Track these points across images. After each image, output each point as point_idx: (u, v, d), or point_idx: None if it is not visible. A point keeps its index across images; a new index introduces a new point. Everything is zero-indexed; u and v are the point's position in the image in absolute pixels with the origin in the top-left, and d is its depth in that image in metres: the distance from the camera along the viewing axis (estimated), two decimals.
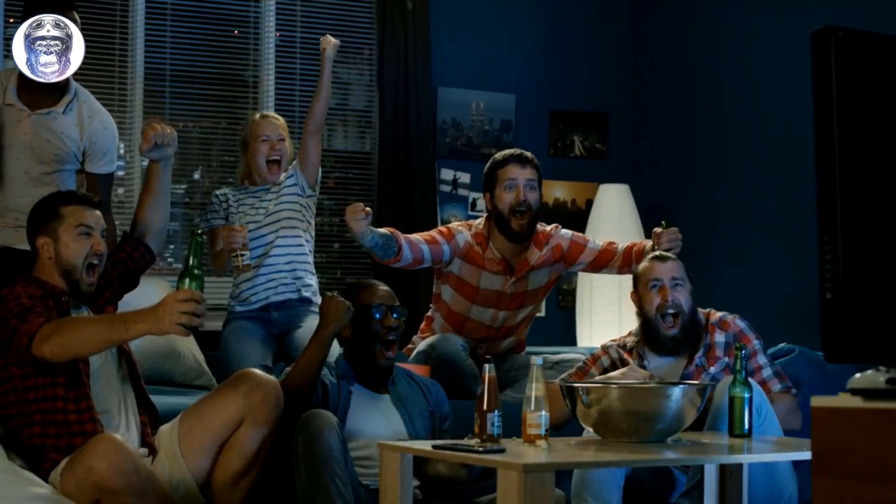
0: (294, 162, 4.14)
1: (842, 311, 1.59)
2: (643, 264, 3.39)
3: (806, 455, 2.60)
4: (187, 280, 2.70)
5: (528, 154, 3.94)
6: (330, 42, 4.13)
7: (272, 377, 2.98)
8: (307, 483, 2.82)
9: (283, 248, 4.03)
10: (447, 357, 3.74)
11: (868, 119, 1.61)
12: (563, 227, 4.04)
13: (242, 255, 3.83)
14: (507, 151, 3.97)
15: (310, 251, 4.13)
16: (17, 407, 2.85)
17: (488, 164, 3.96)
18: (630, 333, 3.46)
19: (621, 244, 3.93)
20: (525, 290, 3.95)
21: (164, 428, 2.95)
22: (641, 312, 3.36)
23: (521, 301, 3.95)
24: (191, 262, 2.72)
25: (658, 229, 3.64)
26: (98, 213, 3.05)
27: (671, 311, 3.28)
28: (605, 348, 3.47)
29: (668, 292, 3.29)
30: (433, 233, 3.94)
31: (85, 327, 2.76)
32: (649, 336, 3.34)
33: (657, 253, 3.44)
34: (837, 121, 1.59)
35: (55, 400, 2.82)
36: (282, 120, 4.19)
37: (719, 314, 3.40)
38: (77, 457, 2.68)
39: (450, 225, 4.00)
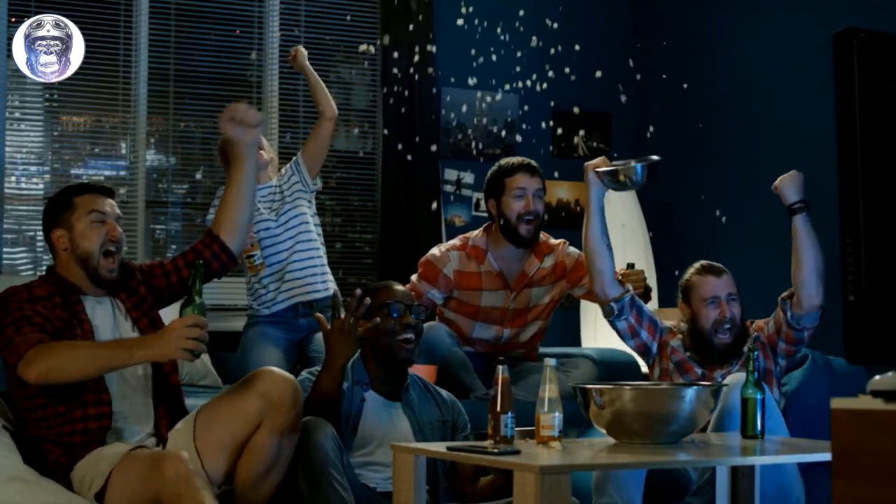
0: (295, 157, 4.12)
1: (864, 313, 1.58)
2: (696, 277, 3.47)
3: (817, 457, 2.61)
4: (190, 308, 2.72)
5: (535, 163, 3.96)
6: (297, 52, 4.20)
7: (290, 375, 2.92)
8: (307, 490, 2.82)
9: (302, 253, 4.02)
10: (431, 345, 3.73)
11: (890, 121, 1.61)
12: (566, 226, 4.05)
13: (253, 256, 3.81)
14: (515, 159, 3.97)
15: (322, 244, 4.12)
16: (18, 402, 2.87)
17: (494, 171, 3.95)
18: (673, 328, 3.53)
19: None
20: (527, 307, 3.97)
21: (180, 424, 2.92)
22: (694, 324, 3.45)
23: (524, 318, 3.97)
24: (194, 289, 2.74)
25: (624, 269, 3.72)
26: (112, 200, 3.00)
27: (728, 325, 3.41)
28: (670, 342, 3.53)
29: (726, 309, 3.42)
30: (416, 280, 3.94)
31: (79, 353, 2.71)
32: (699, 345, 3.44)
33: (706, 264, 3.51)
34: (860, 123, 1.59)
35: (45, 407, 2.81)
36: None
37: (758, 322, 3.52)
38: (133, 466, 2.68)
39: (433, 254, 3.98)
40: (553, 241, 4.02)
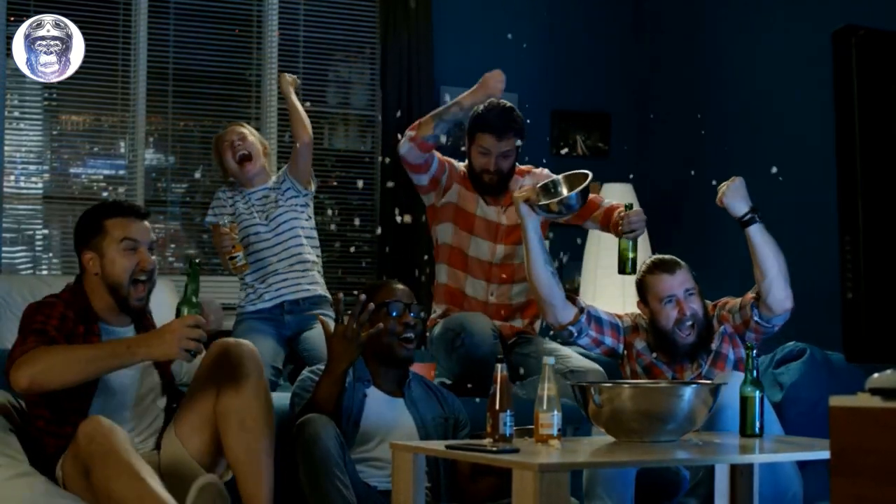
0: (284, 167, 4.15)
1: (863, 310, 1.58)
2: (649, 276, 3.35)
3: (816, 455, 2.61)
4: (186, 308, 2.72)
5: (512, 119, 3.89)
6: (282, 77, 4.19)
7: (242, 340, 2.91)
8: (308, 488, 2.82)
9: (290, 258, 4.03)
10: (477, 342, 3.70)
11: (889, 118, 1.60)
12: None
13: (235, 257, 3.84)
14: (494, 115, 3.89)
15: (314, 246, 4.12)
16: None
17: (474, 114, 3.92)
18: (636, 326, 3.44)
19: (605, 201, 3.91)
20: (519, 224, 3.95)
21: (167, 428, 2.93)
22: (654, 324, 3.33)
23: (517, 236, 3.87)
24: (189, 289, 2.74)
25: (622, 211, 3.60)
26: (146, 224, 2.95)
27: (689, 322, 3.28)
28: (634, 342, 3.42)
29: (684, 305, 3.28)
30: None
31: (73, 354, 2.67)
32: (664, 345, 3.33)
33: (657, 260, 3.40)
34: (859, 120, 1.59)
35: (40, 418, 2.81)
36: (242, 125, 4.17)
37: (717, 308, 3.41)
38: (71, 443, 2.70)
39: None
40: (531, 167, 4.05)
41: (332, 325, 3.06)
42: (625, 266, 3.51)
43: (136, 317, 2.96)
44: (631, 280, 3.52)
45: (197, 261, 2.80)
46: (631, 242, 3.51)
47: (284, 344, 3.98)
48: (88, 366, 2.66)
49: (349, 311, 3.06)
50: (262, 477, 2.74)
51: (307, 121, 4.07)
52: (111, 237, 2.88)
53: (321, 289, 4.07)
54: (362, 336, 3.01)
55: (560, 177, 3.45)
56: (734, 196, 3.26)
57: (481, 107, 3.92)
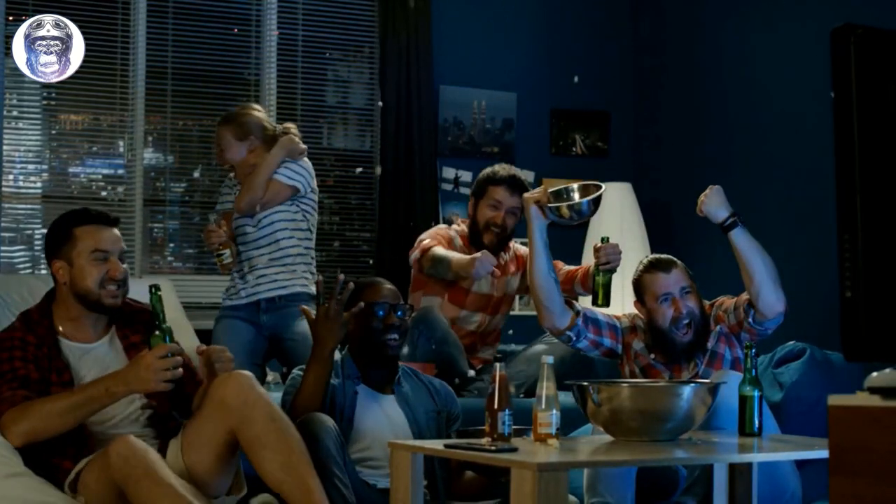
0: None
1: (862, 309, 1.58)
2: (645, 275, 3.34)
3: (815, 454, 2.61)
4: (158, 334, 2.72)
5: (521, 181, 4.04)
6: (286, 140, 4.02)
7: (244, 372, 2.83)
8: None
9: (272, 255, 4.03)
10: (431, 323, 3.82)
11: (888, 117, 1.60)
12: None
13: (222, 255, 3.85)
14: (506, 172, 4.05)
15: (301, 239, 4.10)
16: None
17: (484, 174, 4.10)
18: (634, 326, 3.43)
19: (566, 267, 4.02)
20: (504, 294, 4.12)
21: (172, 442, 2.88)
22: (652, 323, 3.31)
23: (499, 305, 4.11)
24: (157, 317, 2.73)
25: (598, 244, 3.62)
26: (115, 231, 2.93)
27: (686, 321, 3.27)
28: (632, 342, 3.42)
29: (680, 304, 3.27)
30: (430, 241, 4.02)
31: (56, 406, 2.68)
32: (662, 344, 3.31)
33: (654, 259, 3.40)
34: (857, 119, 1.59)
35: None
36: (225, 130, 4.08)
37: (714, 308, 3.40)
38: (94, 460, 2.68)
39: (437, 230, 4.12)
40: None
41: (313, 311, 3.06)
42: (597, 297, 3.53)
43: (115, 318, 2.94)
44: (628, 285, 3.52)
45: (158, 287, 2.77)
46: (605, 275, 3.54)
47: (260, 342, 3.99)
48: (71, 416, 2.69)
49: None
50: (312, 490, 2.68)
51: (260, 188, 3.90)
52: (80, 247, 2.87)
53: (300, 285, 4.04)
54: (345, 316, 3.00)
55: (574, 185, 3.45)
56: (712, 203, 3.30)
57: (492, 168, 4.08)
